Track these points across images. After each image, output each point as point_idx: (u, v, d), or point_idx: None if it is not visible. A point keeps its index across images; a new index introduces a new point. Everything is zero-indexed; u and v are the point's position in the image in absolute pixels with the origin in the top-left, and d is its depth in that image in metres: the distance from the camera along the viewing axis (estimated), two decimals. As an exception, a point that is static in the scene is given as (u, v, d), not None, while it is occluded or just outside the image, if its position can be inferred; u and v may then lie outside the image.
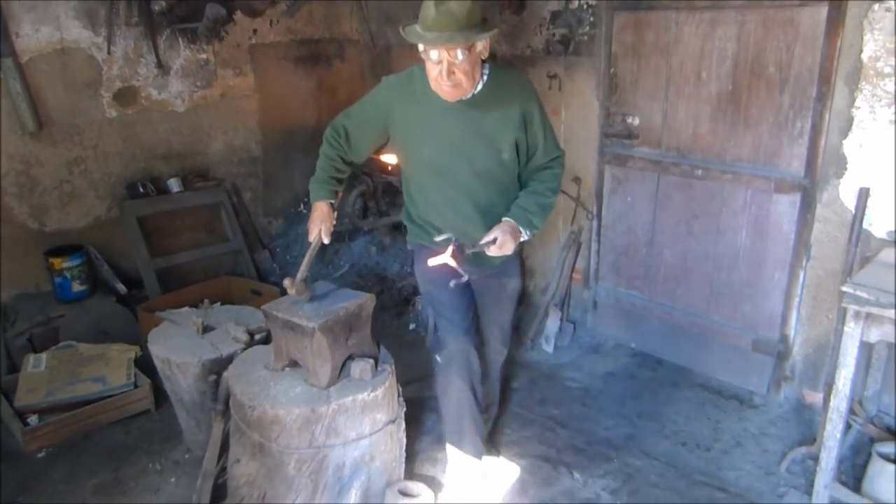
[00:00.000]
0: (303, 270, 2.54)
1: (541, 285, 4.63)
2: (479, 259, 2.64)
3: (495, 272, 2.83)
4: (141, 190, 4.41)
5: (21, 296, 4.04)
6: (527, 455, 3.27)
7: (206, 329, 3.10)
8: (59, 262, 3.96)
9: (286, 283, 2.49)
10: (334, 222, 2.60)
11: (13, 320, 3.85)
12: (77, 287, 4.02)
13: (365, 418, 2.60)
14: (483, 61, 2.44)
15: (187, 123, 4.71)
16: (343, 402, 2.51)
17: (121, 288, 4.19)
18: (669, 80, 3.68)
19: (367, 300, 2.71)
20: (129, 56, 4.34)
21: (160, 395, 3.50)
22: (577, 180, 4.21)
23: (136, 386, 3.53)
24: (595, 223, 4.22)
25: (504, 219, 2.47)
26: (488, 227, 2.52)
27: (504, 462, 3.20)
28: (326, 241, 2.55)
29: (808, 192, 3.32)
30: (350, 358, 2.67)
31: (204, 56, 4.70)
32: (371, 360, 2.68)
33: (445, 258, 2.33)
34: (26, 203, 4.06)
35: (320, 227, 2.55)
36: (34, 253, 4.05)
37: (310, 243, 2.57)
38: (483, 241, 2.41)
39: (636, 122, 3.88)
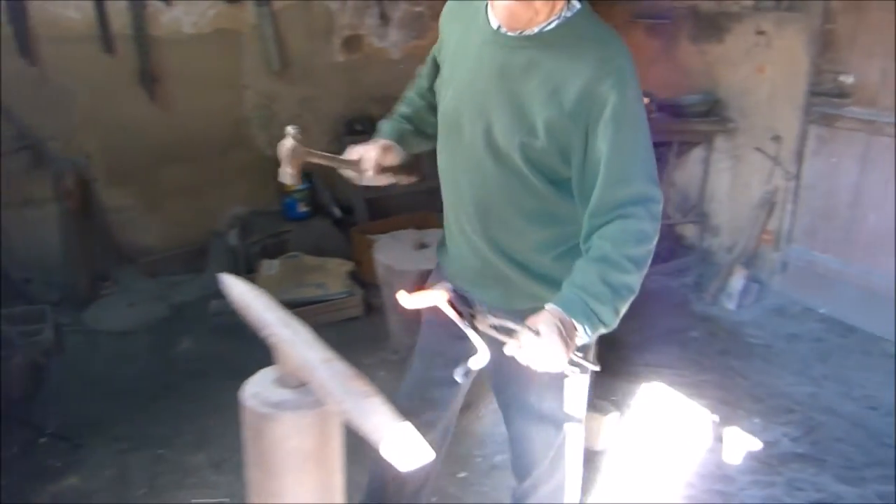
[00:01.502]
0: (316, 153, 1.71)
1: (726, 243, 4.65)
2: (494, 293, 1.76)
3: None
4: (357, 128, 4.91)
5: (256, 213, 4.67)
6: (705, 396, 3.39)
7: (422, 246, 3.49)
8: (289, 186, 4.55)
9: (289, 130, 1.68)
10: (394, 163, 1.81)
11: (250, 232, 4.49)
12: (301, 208, 4.60)
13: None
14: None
15: (400, 70, 5.15)
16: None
17: (337, 212, 4.73)
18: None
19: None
20: (358, 8, 4.83)
21: (370, 306, 3.99)
22: (776, 139, 4.18)
23: (350, 294, 4.03)
24: (793, 183, 4.18)
25: (549, 306, 1.46)
26: (492, 264, 1.72)
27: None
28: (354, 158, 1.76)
29: None
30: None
31: (419, 9, 5.11)
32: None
33: (436, 300, 1.46)
34: (266, 132, 4.67)
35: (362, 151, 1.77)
36: (269, 177, 4.66)
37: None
38: (510, 326, 1.46)
39: (850, 80, 3.79)
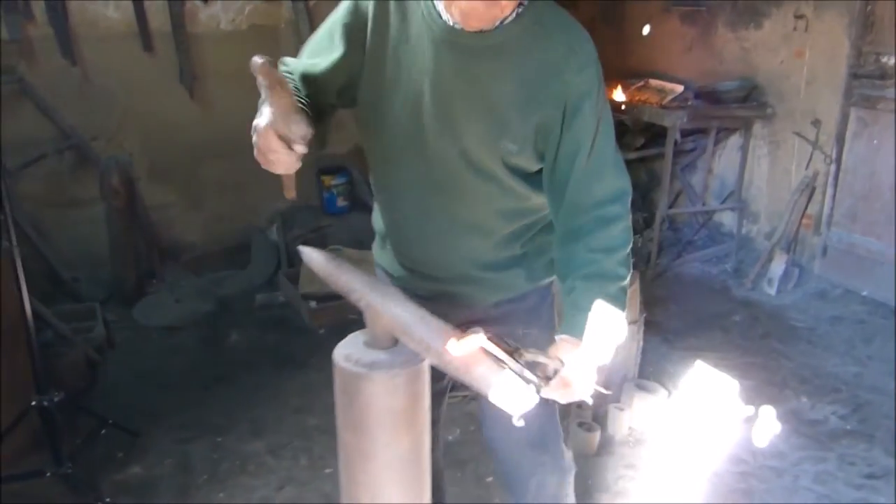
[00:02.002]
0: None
1: (765, 229, 4.62)
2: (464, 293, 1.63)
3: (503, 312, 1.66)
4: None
5: (296, 208, 4.73)
6: (751, 377, 3.38)
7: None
8: (329, 180, 4.62)
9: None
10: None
11: (291, 227, 4.54)
12: (340, 203, 4.66)
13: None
14: None
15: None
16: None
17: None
18: (935, 14, 3.54)
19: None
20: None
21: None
22: (816, 123, 4.15)
23: (392, 286, 4.06)
24: (833, 167, 4.15)
25: (561, 336, 1.39)
26: (458, 270, 1.60)
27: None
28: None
29: None
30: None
31: None
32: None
33: (479, 342, 1.11)
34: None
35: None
36: (308, 171, 4.72)
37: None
38: (541, 359, 1.25)
39: (891, 61, 3.76)
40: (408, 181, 1.51)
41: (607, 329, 1.37)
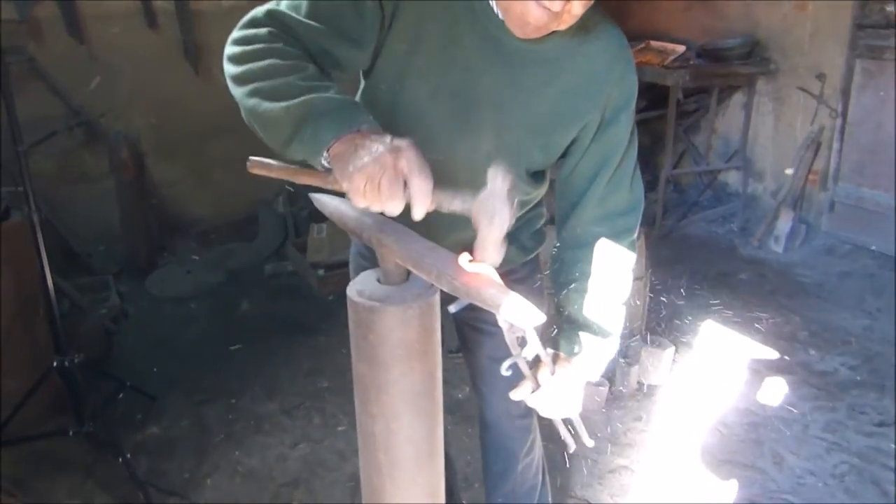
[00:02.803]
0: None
1: (771, 187, 4.63)
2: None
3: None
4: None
5: (302, 180, 4.76)
6: (758, 332, 3.41)
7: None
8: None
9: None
10: None
11: (297, 198, 4.57)
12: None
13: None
14: None
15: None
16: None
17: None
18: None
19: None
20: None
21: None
22: (821, 77, 4.13)
23: (400, 253, 4.10)
24: (839, 121, 4.14)
25: (555, 351, 1.40)
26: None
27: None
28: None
29: None
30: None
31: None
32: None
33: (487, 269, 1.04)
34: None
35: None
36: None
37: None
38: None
39: (896, 10, 3.74)
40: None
41: (602, 349, 1.38)
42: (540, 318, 0.99)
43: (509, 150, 1.35)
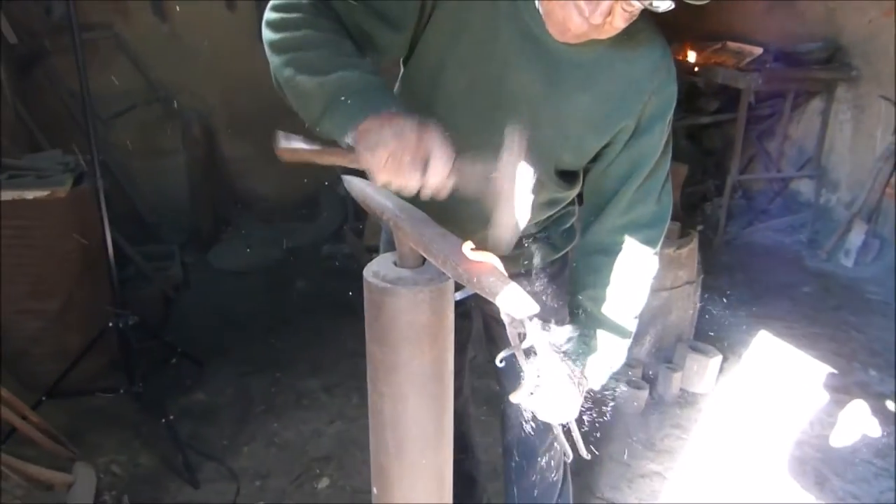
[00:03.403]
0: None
1: (845, 198, 4.43)
2: None
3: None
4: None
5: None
6: (817, 348, 3.29)
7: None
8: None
9: None
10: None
11: (359, 182, 4.67)
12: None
13: (668, 272, 2.85)
14: None
15: None
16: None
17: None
18: None
19: (680, 168, 2.92)
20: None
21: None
22: (905, 86, 3.94)
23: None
24: (923, 133, 3.93)
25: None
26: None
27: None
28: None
29: None
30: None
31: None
32: (678, 223, 2.90)
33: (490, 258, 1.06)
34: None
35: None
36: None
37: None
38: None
39: None
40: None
41: (610, 361, 1.38)
42: (534, 308, 1.00)
43: (539, 148, 1.31)
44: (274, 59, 1.18)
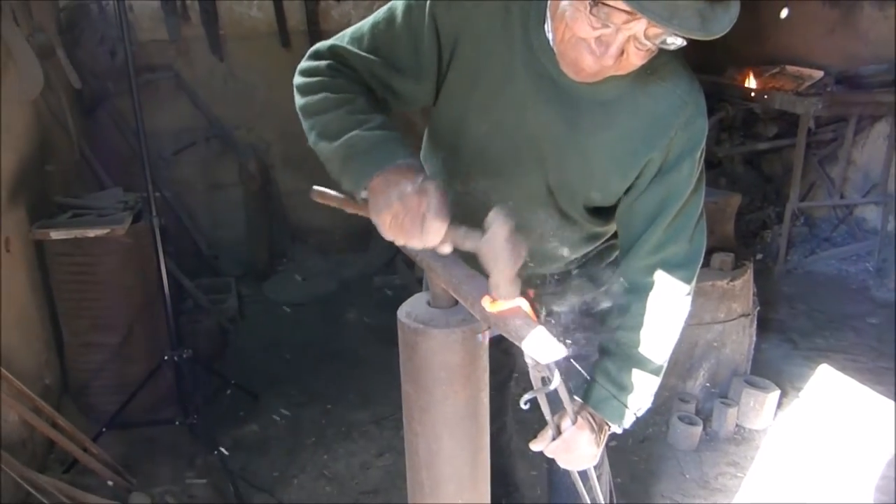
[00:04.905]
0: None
1: (916, 225, 4.26)
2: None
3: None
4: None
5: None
6: (883, 383, 3.14)
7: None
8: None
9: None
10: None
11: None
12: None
13: (721, 305, 2.78)
14: None
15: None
16: (702, 285, 2.71)
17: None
18: None
19: (733, 198, 2.86)
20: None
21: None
22: (977, 108, 3.77)
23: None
24: None
25: (584, 405, 1.37)
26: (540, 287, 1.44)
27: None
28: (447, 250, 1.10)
29: None
30: (713, 250, 2.85)
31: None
32: (732, 254, 2.83)
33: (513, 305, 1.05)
34: (425, 119, 4.88)
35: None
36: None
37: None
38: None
39: None
40: (469, 202, 1.21)
41: (635, 405, 1.36)
42: (560, 352, 0.99)
43: (566, 187, 1.35)
44: (303, 124, 1.27)
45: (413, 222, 1.03)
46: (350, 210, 1.27)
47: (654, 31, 1.06)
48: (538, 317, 1.14)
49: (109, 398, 2.78)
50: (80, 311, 2.76)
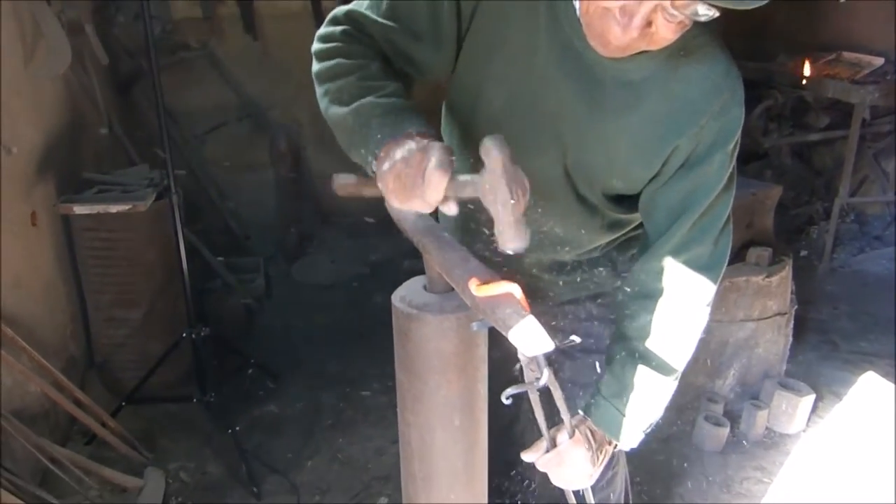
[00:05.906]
0: None
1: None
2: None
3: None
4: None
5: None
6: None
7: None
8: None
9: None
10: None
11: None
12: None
13: (755, 301, 2.66)
14: None
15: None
16: (736, 280, 2.60)
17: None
18: None
19: (774, 190, 2.73)
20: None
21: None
22: None
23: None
24: None
25: (586, 418, 1.28)
26: (559, 275, 1.44)
27: None
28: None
29: None
30: (750, 244, 2.73)
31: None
32: (769, 249, 2.70)
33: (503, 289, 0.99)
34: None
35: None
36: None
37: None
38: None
39: None
40: None
41: (644, 420, 1.27)
42: (548, 345, 0.92)
43: (584, 171, 1.25)
44: (316, 91, 1.20)
45: (415, 178, 0.94)
46: (367, 193, 1.15)
47: (681, 0, 0.96)
48: (530, 306, 1.03)
49: (131, 373, 2.80)
50: (104, 286, 2.78)
